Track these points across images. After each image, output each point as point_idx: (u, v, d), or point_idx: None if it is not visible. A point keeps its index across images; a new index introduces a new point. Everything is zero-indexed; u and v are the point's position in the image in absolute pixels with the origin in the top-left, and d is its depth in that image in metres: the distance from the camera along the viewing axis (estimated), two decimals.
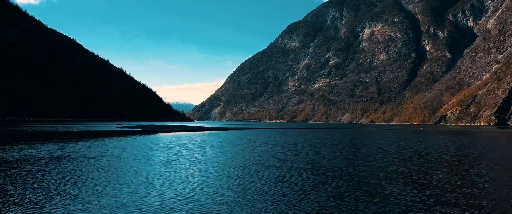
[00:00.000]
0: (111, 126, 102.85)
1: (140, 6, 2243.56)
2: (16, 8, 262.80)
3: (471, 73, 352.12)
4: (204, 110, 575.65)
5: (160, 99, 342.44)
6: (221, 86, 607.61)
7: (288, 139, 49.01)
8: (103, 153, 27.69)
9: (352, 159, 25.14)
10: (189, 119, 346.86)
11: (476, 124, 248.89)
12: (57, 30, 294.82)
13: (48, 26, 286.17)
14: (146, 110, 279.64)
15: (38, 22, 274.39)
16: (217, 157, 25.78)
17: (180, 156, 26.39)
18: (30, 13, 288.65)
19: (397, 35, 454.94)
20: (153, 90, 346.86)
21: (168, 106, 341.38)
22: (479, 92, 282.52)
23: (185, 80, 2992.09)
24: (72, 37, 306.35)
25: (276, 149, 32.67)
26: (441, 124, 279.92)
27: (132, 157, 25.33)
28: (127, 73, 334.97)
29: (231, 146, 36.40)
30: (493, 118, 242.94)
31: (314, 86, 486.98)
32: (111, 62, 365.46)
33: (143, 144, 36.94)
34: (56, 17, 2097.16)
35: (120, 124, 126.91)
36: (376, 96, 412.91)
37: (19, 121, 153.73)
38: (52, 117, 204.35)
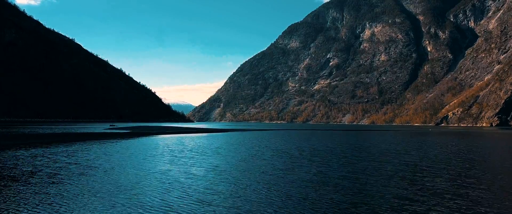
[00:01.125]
0: (104, 127, 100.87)
1: (140, 6, 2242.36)
2: (15, 8, 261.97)
3: (473, 74, 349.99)
4: (204, 111, 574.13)
5: (159, 100, 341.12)
6: (221, 87, 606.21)
7: (297, 143, 44.87)
8: (43, 166, 20.43)
9: (412, 178, 18.35)
10: (188, 120, 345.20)
11: (478, 125, 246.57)
12: (56, 30, 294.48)
13: (47, 26, 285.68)
14: (146, 110, 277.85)
15: (37, 22, 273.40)
16: (208, 176, 18.24)
17: (153, 173, 19.05)
18: (31, 14, 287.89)
19: (398, 36, 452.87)
20: (153, 91, 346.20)
21: (167, 107, 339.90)
22: (481, 93, 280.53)
23: (185, 80, 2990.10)
24: (71, 37, 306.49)
25: (292, 160, 25.95)
26: (442, 125, 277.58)
27: (79, 174, 18.19)
28: (127, 73, 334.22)
29: (230, 154, 29.95)
30: (495, 118, 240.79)
31: (314, 87, 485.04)
32: (111, 62, 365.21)
33: (116, 152, 30.33)
34: (56, 18, 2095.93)
35: (113, 125, 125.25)
36: (377, 97, 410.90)
37: (17, 122, 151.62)
38: (51, 117, 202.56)
